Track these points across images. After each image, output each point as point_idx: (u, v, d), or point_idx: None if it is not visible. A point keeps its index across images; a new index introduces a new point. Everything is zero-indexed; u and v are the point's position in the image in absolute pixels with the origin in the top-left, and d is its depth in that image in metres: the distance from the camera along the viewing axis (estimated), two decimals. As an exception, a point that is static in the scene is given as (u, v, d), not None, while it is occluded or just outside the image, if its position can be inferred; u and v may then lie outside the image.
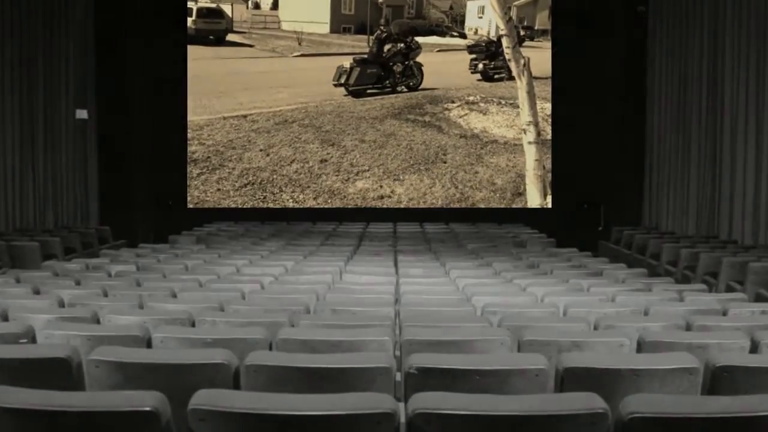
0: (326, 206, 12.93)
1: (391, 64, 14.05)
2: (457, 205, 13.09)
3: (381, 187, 13.02)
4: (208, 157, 13.13)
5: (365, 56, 13.98)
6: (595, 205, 12.76)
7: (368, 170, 13.12)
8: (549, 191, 12.89)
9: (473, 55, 14.28)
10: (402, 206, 12.98)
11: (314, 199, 12.92)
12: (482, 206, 13.07)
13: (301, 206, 12.89)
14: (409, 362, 2.73)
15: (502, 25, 11.86)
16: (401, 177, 13.12)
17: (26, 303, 4.53)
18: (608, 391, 2.48)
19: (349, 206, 12.96)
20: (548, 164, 13.12)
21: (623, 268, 7.43)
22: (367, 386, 2.66)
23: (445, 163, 13.29)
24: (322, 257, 8.18)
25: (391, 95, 14.00)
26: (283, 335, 3.37)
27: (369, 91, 13.88)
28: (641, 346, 3.39)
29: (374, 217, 12.84)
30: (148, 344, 3.42)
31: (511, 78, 12.57)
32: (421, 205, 13.05)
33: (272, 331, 3.47)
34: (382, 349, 3.30)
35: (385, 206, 12.96)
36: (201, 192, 12.96)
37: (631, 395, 2.23)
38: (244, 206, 12.88)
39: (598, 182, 12.57)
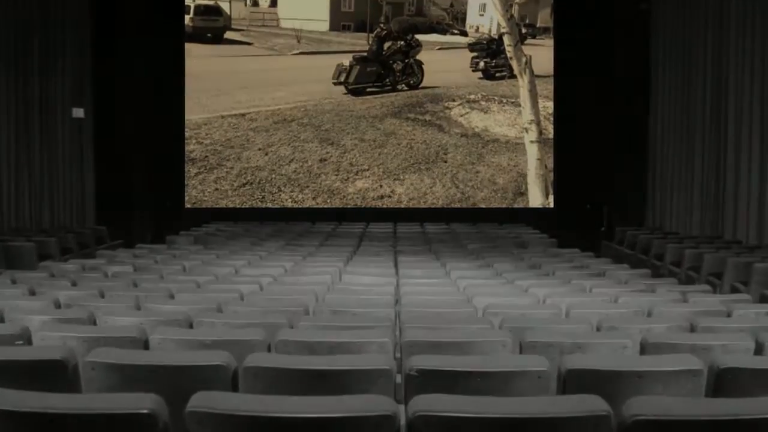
0: (326, 206, 12.90)
1: (391, 62, 14.02)
2: (457, 205, 13.06)
3: (381, 186, 12.98)
4: (206, 156, 13.10)
5: (365, 54, 13.95)
6: (598, 205, 12.71)
7: (368, 170, 13.09)
8: (551, 191, 12.85)
9: (474, 53, 14.25)
10: (402, 206, 12.95)
11: (313, 198, 12.89)
12: (483, 206, 13.05)
13: (301, 206, 12.86)
14: (410, 364, 2.71)
15: (503, 23, 11.83)
16: (401, 176, 13.09)
17: (22, 304, 4.50)
18: (611, 393, 2.47)
19: (349, 206, 12.93)
20: (550, 163, 13.09)
21: (626, 269, 7.42)
22: (367, 388, 2.65)
23: (445, 162, 13.26)
24: (321, 258, 8.16)
25: (391, 94, 13.97)
26: (282, 337, 3.35)
27: (369, 89, 13.85)
28: (644, 348, 3.38)
29: (374, 217, 12.81)
30: (146, 346, 3.40)
31: (513, 76, 12.55)
32: (422, 205, 13.02)
33: (271, 333, 3.45)
34: (382, 350, 3.29)
35: (385, 206, 12.93)
36: (199, 192, 12.93)
37: (635, 397, 2.22)
38: (243, 206, 12.85)
39: (601, 182, 12.52)
